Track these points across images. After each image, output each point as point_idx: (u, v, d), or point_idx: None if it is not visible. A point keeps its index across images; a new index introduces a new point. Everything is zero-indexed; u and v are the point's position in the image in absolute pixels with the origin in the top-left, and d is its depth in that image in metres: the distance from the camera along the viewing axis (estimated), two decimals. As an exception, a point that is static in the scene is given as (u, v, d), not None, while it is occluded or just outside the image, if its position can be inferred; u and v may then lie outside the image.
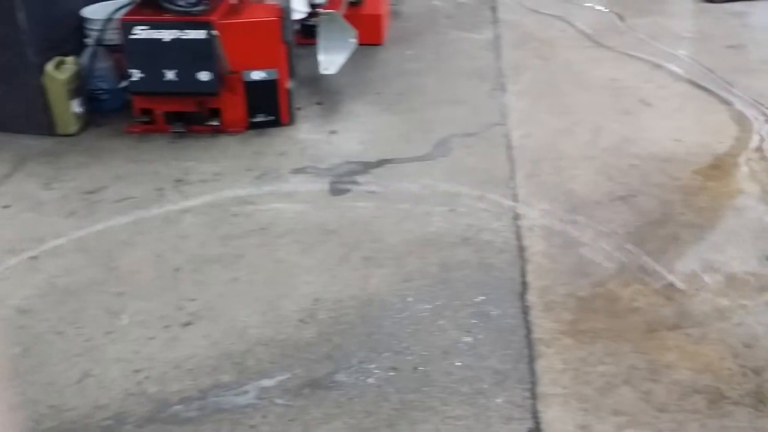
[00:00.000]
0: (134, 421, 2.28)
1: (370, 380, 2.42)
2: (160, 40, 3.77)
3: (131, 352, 2.54)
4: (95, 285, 2.87)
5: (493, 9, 5.89)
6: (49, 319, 2.70)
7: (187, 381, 2.42)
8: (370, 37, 5.08)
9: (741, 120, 4.07)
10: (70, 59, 3.97)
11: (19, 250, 3.06)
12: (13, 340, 2.59)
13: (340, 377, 2.43)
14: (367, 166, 3.70)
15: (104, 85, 4.11)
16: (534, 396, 2.35)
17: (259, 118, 4.04)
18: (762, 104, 4.22)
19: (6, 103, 3.94)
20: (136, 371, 2.46)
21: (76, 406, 2.34)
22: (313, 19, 4.35)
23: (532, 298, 2.78)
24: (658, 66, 4.76)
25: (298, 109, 4.23)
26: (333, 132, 4.05)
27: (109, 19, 4.00)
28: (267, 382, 2.41)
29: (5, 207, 3.39)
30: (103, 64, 4.09)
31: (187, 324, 2.67)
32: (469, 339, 2.59)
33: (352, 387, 2.39)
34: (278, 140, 3.96)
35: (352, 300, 2.77)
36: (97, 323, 2.67)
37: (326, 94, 4.47)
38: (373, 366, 2.48)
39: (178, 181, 3.57)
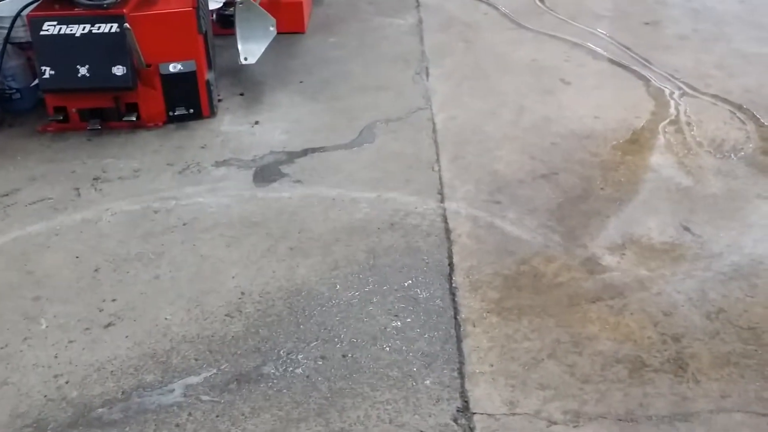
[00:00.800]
0: (55, 427, 2.21)
1: (299, 370, 2.40)
2: (71, 35, 3.64)
3: (50, 356, 2.46)
4: (11, 290, 2.76)
5: (415, -7, 5.89)
6: (-39, 329, 2.59)
7: (110, 383, 2.36)
8: (292, 25, 5.03)
9: (657, 95, 4.18)
10: (-24, 58, 3.80)
11: (-73, 259, 2.93)
12: None
13: (268, 369, 2.41)
14: (291, 156, 3.66)
15: (15, 84, 3.95)
16: (462, 375, 2.36)
17: (179, 112, 3.94)
18: (677, 79, 4.34)
19: None
20: (56, 376, 2.39)
21: (-7, 416, 2.25)
22: (230, 9, 4.27)
23: (458, 278, 2.80)
24: (577, 45, 4.84)
25: (220, 100, 4.16)
26: (256, 123, 3.99)
27: (17, 16, 3.84)
28: (192, 380, 2.37)
29: None
30: (14, 63, 3.92)
31: (109, 325, 2.60)
32: (397, 323, 2.59)
33: (280, 378, 2.37)
34: (199, 133, 3.88)
35: (280, 291, 2.74)
36: (14, 329, 2.58)
37: (248, 84, 4.40)
38: (301, 356, 2.46)
39: (96, 179, 3.46)
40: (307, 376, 2.38)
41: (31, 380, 2.38)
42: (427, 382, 2.35)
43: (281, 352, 2.47)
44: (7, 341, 2.53)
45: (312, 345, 2.51)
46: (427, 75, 4.51)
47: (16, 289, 2.77)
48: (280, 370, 2.40)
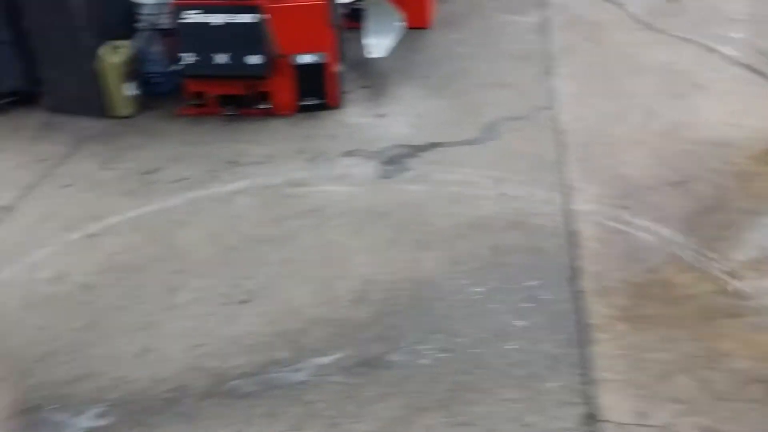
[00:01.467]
0: (194, 393, 2.34)
1: (424, 361, 2.45)
2: (210, 23, 3.82)
3: (191, 327, 2.61)
4: (155, 262, 2.94)
5: (541, -9, 5.83)
6: (110, 295, 2.77)
7: (245, 357, 2.47)
8: (417, 21, 5.07)
9: (797, 105, 3.99)
10: (123, 43, 4.04)
11: (79, 228, 3.15)
12: (78, 314, 2.68)
13: (394, 357, 2.46)
14: (416, 150, 3.71)
15: (157, 69, 4.18)
16: (588, 381, 2.35)
17: (308, 102, 4.07)
18: (819, 89, 4.13)
19: (63, 86, 4.03)
20: (196, 346, 2.52)
21: (138, 378, 2.40)
22: (361, 3, 4.36)
23: (584, 282, 2.77)
24: (711, 49, 4.67)
25: (346, 92, 4.26)
26: (381, 115, 4.06)
27: (161, 4, 4.05)
28: (322, 360, 2.45)
29: (66, 186, 3.49)
30: (156, 48, 4.15)
31: (244, 302, 2.72)
32: (522, 323, 2.60)
33: (406, 367, 2.42)
34: (327, 123, 4.00)
35: (405, 282, 2.80)
36: (157, 299, 2.74)
37: (374, 77, 4.48)
38: (426, 347, 2.50)
39: (231, 162, 3.62)
40: (432, 368, 2.42)
41: (172, 348, 2.53)
42: (552, 384, 2.34)
43: (406, 342, 2.53)
44: (151, 311, 2.70)
45: (436, 337, 2.55)
46: (552, 74, 4.46)
47: (160, 261, 2.95)
48: (406, 358, 2.46)
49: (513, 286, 2.77)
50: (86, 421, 2.25)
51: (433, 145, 3.74)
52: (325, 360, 2.46)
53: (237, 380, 2.39)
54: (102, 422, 2.25)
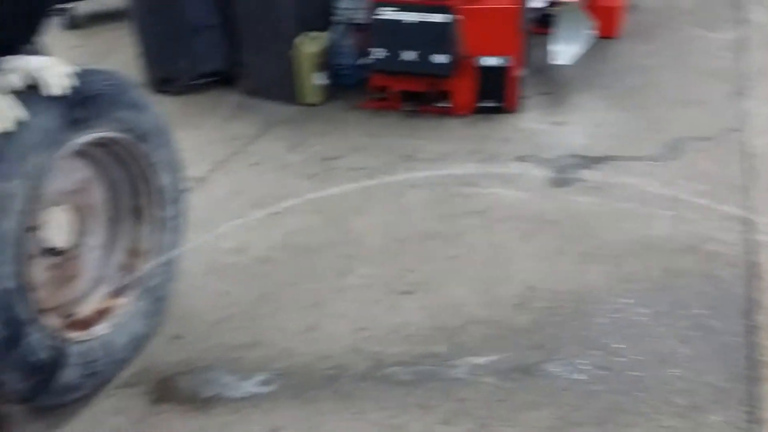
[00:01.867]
0: (353, 374, 2.46)
1: (580, 376, 2.43)
2: (403, 21, 3.96)
3: (356, 311, 2.74)
4: (329, 245, 3.11)
5: (738, 7, 5.51)
6: (286, 271, 2.97)
7: (404, 346, 2.57)
8: (606, 30, 4.96)
9: None
10: (319, 35, 4.28)
11: (264, 205, 3.39)
12: (254, 285, 2.89)
13: (551, 367, 2.46)
14: (590, 161, 3.66)
15: (346, 62, 4.38)
16: (755, 420, 2.23)
17: (487, 104, 4.11)
18: None
19: (261, 71, 4.34)
20: (359, 329, 2.65)
21: (304, 352, 2.56)
22: (553, 9, 4.33)
23: (760, 317, 2.63)
24: None
25: (525, 97, 4.26)
26: (558, 123, 4.03)
27: (358, 0, 4.25)
28: (478, 360, 2.50)
29: (254, 164, 3.76)
30: (348, 42, 4.35)
31: (407, 293, 2.82)
32: (687, 350, 2.51)
33: (562, 379, 2.41)
34: (503, 126, 4.02)
35: (568, 293, 2.78)
36: (328, 280, 2.90)
37: (555, 84, 4.45)
38: (583, 362, 2.48)
39: (407, 157, 3.75)
40: (588, 383, 2.40)
41: (338, 328, 2.67)
42: (715, 418, 2.25)
43: (564, 354, 2.51)
44: (322, 290, 2.86)
45: (595, 353, 2.51)
46: (746, 95, 4.22)
47: (332, 245, 3.11)
48: (563, 370, 2.44)
49: (681, 311, 2.67)
50: (251, 386, 2.43)
51: (609, 158, 3.67)
52: (481, 360, 2.50)
53: (394, 367, 2.49)
54: (265, 389, 2.41)
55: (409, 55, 3.97)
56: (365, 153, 3.80)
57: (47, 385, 2.14)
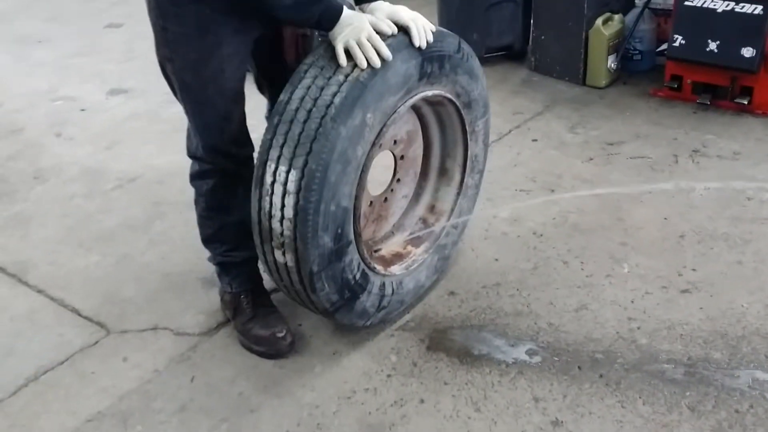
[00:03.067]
0: (622, 363, 2.42)
1: None
2: (712, 9, 3.73)
3: (627, 299, 2.69)
4: (602, 230, 3.07)
5: None
6: (557, 248, 2.98)
7: (678, 345, 2.48)
8: None
9: None
10: (616, 17, 4.18)
11: (540, 182, 3.42)
12: (526, 257, 2.94)
13: None
14: None
15: (640, 47, 4.24)
16: None
17: (796, 107, 3.77)
18: None
19: (550, 48, 4.33)
20: (630, 319, 2.60)
21: (571, 331, 2.57)
22: None
23: None
24: None
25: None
26: None
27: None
28: (760, 375, 2.34)
29: (534, 140, 3.79)
30: (645, 26, 4.21)
31: (685, 291, 2.71)
32: None
33: None
34: (808, 132, 3.67)
35: None
36: (600, 264, 2.87)
37: None
38: None
39: (695, 151, 3.56)
40: None
41: (607, 314, 2.64)
42: None
43: None
44: (592, 272, 2.84)
45: None
46: None
47: (607, 230, 3.07)
48: None
49: None
50: (518, 353, 2.49)
51: None
52: (763, 376, 2.34)
53: (665, 364, 2.41)
54: (530, 359, 2.46)
55: (712, 46, 3.74)
56: (649, 142, 3.66)
57: (352, 303, 2.36)
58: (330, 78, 2.07)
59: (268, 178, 2.10)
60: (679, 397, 2.28)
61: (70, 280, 2.96)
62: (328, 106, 2.02)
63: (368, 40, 2.07)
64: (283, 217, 2.10)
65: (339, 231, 2.19)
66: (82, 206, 3.47)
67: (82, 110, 4.49)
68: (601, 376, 2.37)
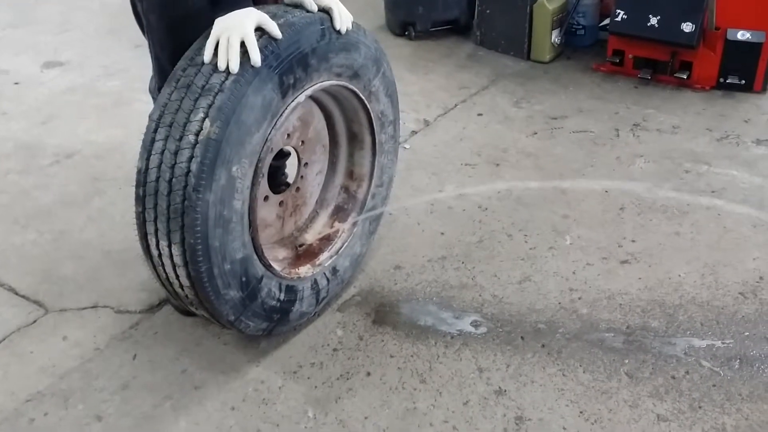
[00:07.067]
0: (564, 333, 2.47)
1: (807, 376, 2.29)
2: (648, -16, 3.79)
3: (569, 271, 2.74)
4: (545, 203, 3.11)
5: None
6: (502, 221, 3.01)
7: (617, 314, 2.54)
8: None
9: None
10: (560, -9, 4.21)
11: (485, 155, 3.44)
12: (471, 230, 2.97)
13: (775, 362, 2.34)
14: (843, 155, 3.35)
15: (583, 21, 4.28)
16: None
17: (730, 80, 3.87)
18: None
19: (497, 24, 4.35)
20: (571, 290, 2.65)
21: (515, 302, 2.61)
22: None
23: None
24: None
25: (774, 78, 3.95)
26: (810, 110, 3.72)
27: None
28: (695, 342, 2.42)
29: (479, 115, 3.81)
30: (589, 1, 4.25)
31: (625, 262, 2.77)
32: None
33: (786, 376, 2.29)
34: (744, 106, 3.77)
35: (802, 290, 2.61)
36: (543, 237, 2.92)
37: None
38: (813, 363, 2.33)
39: (636, 125, 3.63)
40: (816, 386, 2.26)
41: (549, 285, 2.68)
42: None
43: (792, 351, 2.38)
44: (536, 245, 2.88)
45: (827, 357, 2.35)
46: None
47: (550, 203, 3.11)
48: (788, 368, 2.32)
49: None
50: (462, 324, 2.52)
51: None
52: (699, 343, 2.42)
53: (605, 333, 2.47)
54: (475, 330, 2.49)
55: (654, 20, 3.80)
56: (591, 116, 3.72)
57: (286, 316, 2.34)
58: (181, 139, 1.86)
59: (154, 251, 2.00)
60: (618, 364, 2.34)
61: (6, 258, 2.87)
62: (186, 175, 1.85)
63: (242, 42, 1.91)
64: (181, 285, 2.01)
65: (243, 279, 2.10)
66: (18, 182, 3.36)
67: (16, 83, 4.34)
68: (543, 345, 2.42)
